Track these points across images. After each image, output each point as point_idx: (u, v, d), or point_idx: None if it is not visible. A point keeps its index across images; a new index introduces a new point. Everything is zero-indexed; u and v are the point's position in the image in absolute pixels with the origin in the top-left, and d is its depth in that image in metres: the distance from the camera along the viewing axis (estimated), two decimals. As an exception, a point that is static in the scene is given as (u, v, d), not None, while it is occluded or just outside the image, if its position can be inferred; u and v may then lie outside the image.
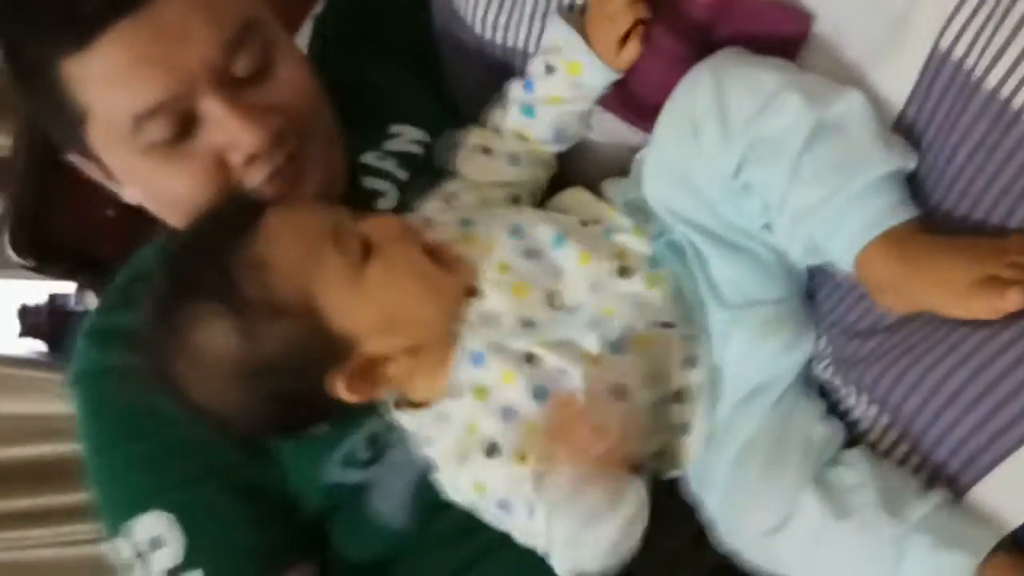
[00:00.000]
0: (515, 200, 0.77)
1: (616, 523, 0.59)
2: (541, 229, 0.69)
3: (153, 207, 0.76)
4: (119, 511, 0.73)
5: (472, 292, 0.67)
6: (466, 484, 0.66)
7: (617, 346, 0.66)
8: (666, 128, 0.68)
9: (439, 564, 0.74)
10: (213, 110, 0.67)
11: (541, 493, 0.61)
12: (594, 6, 0.71)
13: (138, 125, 0.67)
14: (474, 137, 0.77)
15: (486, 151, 0.76)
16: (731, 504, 0.67)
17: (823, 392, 0.70)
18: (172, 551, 0.70)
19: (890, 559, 0.60)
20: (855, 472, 0.64)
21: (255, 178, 0.71)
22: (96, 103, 0.68)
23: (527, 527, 0.64)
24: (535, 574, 0.71)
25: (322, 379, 0.64)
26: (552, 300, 0.67)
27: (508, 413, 0.65)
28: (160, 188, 0.72)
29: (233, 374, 0.62)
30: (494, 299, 0.67)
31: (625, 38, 0.71)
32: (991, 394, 0.58)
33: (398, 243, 0.66)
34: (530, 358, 0.65)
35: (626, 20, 0.69)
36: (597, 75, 0.72)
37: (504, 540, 0.70)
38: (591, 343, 0.66)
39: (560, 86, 0.73)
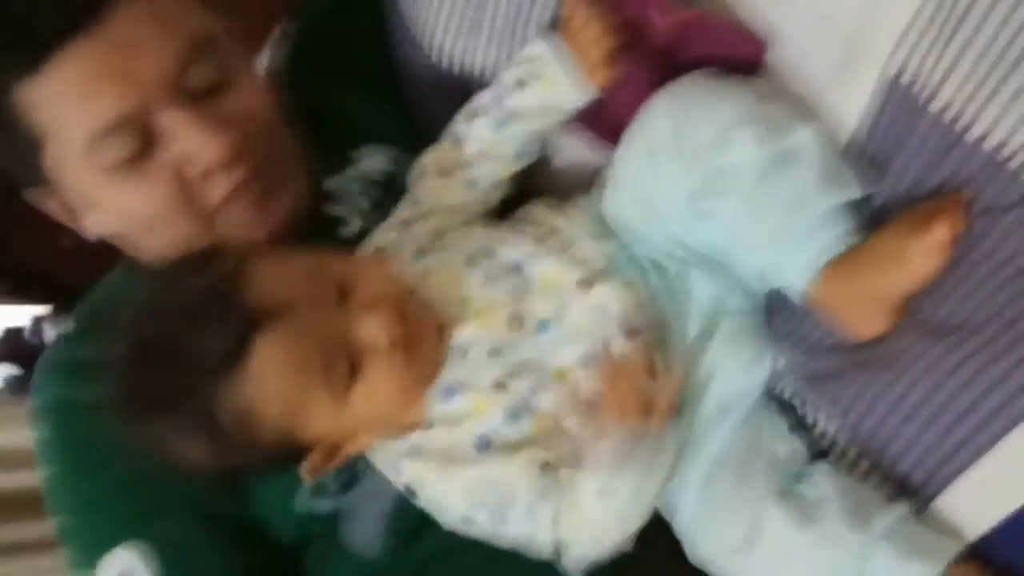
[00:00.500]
0: (472, 221, 0.76)
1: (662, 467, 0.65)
2: (498, 252, 0.70)
3: (117, 231, 0.75)
4: (90, 542, 0.72)
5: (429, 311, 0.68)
6: (455, 497, 0.67)
7: (587, 361, 0.67)
8: (627, 153, 0.69)
9: None
10: (171, 121, 0.67)
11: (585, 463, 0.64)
12: (570, 33, 0.71)
13: (97, 143, 0.66)
14: (431, 159, 0.77)
15: (443, 174, 0.76)
16: (700, 519, 0.68)
17: (789, 408, 0.72)
18: None
19: (855, 569, 0.62)
20: (821, 486, 0.65)
21: (217, 193, 0.71)
22: (52, 125, 0.67)
23: (528, 529, 0.66)
24: None
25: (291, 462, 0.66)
26: (517, 322, 0.68)
27: (483, 439, 0.66)
28: (123, 209, 0.71)
29: (207, 465, 0.64)
30: (464, 332, 0.67)
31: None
32: (950, 408, 0.60)
33: (385, 355, 0.63)
34: (501, 385, 0.66)
35: (601, 47, 0.70)
36: (574, 96, 0.72)
37: (483, 564, 0.71)
38: (561, 359, 0.67)
39: (534, 100, 0.73)
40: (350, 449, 0.67)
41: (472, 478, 0.66)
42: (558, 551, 0.67)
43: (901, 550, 0.61)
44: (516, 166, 0.77)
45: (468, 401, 0.66)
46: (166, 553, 0.70)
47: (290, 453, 0.65)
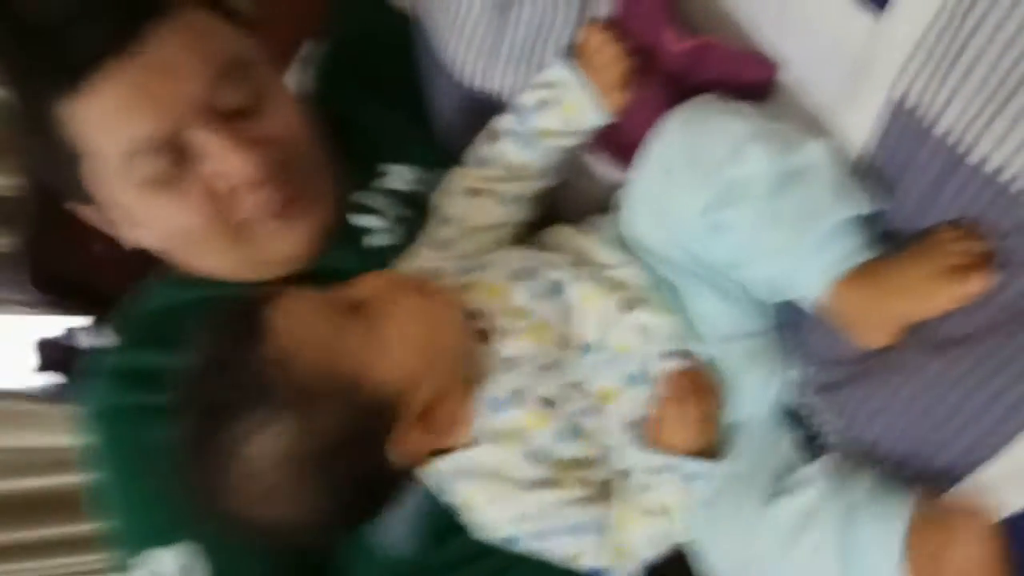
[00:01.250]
0: (502, 241, 0.79)
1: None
2: (539, 273, 0.72)
3: (154, 244, 0.78)
4: (139, 542, 0.75)
5: (475, 319, 0.69)
6: (504, 520, 0.69)
7: (636, 379, 0.69)
8: (642, 170, 0.71)
9: None
10: (203, 141, 0.69)
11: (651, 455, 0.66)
12: (586, 56, 0.74)
13: (131, 161, 0.69)
14: (461, 179, 0.79)
15: (474, 193, 0.78)
16: (706, 536, 0.71)
17: (798, 420, 0.74)
18: None
19: (839, 529, 0.64)
20: (808, 473, 0.69)
21: (252, 208, 0.73)
22: (90, 143, 0.69)
23: (574, 549, 0.69)
24: None
25: (386, 443, 0.63)
26: (566, 341, 0.70)
27: (535, 455, 0.68)
28: (159, 224, 0.74)
29: (301, 471, 0.61)
30: (514, 345, 0.69)
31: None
32: (953, 418, 0.61)
33: (392, 295, 0.66)
34: (552, 402, 0.68)
35: (616, 69, 0.72)
36: (593, 117, 0.74)
37: (509, 567, 0.74)
38: (606, 381, 0.69)
39: (554, 121, 0.75)
40: (446, 411, 0.65)
41: (522, 505, 0.68)
42: (605, 566, 0.70)
43: (874, 501, 0.63)
44: (542, 184, 0.79)
45: (519, 416, 0.68)
46: (216, 551, 0.72)
47: (371, 410, 0.62)
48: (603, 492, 0.71)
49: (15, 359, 1.26)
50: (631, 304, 0.70)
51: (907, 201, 0.64)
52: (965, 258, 0.59)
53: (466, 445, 0.69)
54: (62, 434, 1.29)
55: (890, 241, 0.65)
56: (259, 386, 0.60)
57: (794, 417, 0.75)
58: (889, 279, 0.62)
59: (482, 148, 0.79)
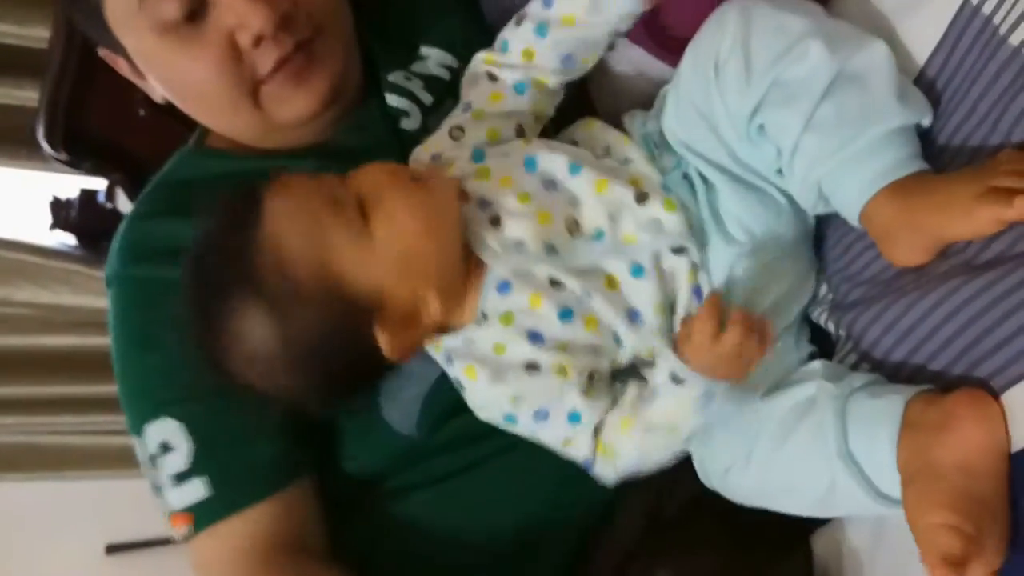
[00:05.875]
0: (521, 131, 0.76)
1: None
2: (556, 160, 0.70)
3: (175, 97, 0.78)
4: (136, 414, 0.76)
5: (464, 197, 0.68)
6: (501, 398, 0.69)
7: (639, 271, 0.68)
8: (690, 64, 0.68)
9: (436, 470, 0.78)
10: None
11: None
12: None
13: (146, 1, 0.69)
14: (482, 62, 0.76)
15: (492, 78, 0.75)
16: (702, 438, 0.70)
17: (821, 334, 0.72)
18: (180, 457, 0.73)
19: (838, 410, 0.63)
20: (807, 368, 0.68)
21: (264, 63, 0.72)
22: None
23: (566, 434, 0.69)
24: (531, 480, 0.78)
25: (366, 340, 0.64)
26: (572, 227, 0.69)
27: (535, 336, 0.67)
28: (177, 75, 0.74)
29: (280, 355, 0.63)
30: (518, 227, 0.68)
31: None
32: (987, 337, 0.58)
33: (389, 189, 0.65)
34: (555, 283, 0.67)
35: None
36: (624, 3, 0.71)
37: (501, 450, 0.76)
38: (614, 268, 0.68)
39: (578, 6, 0.71)
40: (425, 314, 0.66)
41: (523, 386, 0.68)
42: (592, 459, 0.70)
43: (873, 392, 0.62)
44: (560, 76, 0.75)
45: (523, 295, 0.67)
46: (203, 430, 0.73)
47: (351, 309, 0.63)
48: (609, 390, 0.70)
49: (33, 215, 1.28)
50: (646, 196, 0.69)
51: (973, 114, 0.60)
52: (1014, 181, 0.55)
53: (467, 323, 0.69)
54: (78, 295, 1.30)
55: (946, 156, 0.62)
56: (249, 271, 0.62)
57: (815, 334, 0.73)
58: (933, 195, 0.59)
59: (507, 30, 0.76)
